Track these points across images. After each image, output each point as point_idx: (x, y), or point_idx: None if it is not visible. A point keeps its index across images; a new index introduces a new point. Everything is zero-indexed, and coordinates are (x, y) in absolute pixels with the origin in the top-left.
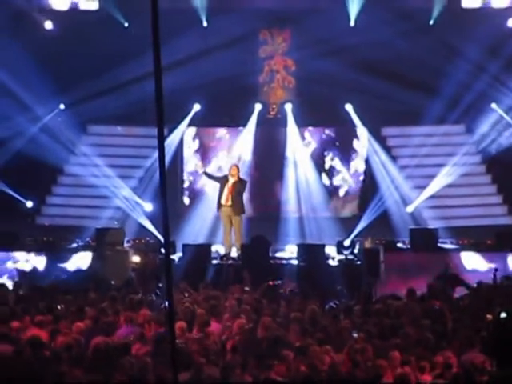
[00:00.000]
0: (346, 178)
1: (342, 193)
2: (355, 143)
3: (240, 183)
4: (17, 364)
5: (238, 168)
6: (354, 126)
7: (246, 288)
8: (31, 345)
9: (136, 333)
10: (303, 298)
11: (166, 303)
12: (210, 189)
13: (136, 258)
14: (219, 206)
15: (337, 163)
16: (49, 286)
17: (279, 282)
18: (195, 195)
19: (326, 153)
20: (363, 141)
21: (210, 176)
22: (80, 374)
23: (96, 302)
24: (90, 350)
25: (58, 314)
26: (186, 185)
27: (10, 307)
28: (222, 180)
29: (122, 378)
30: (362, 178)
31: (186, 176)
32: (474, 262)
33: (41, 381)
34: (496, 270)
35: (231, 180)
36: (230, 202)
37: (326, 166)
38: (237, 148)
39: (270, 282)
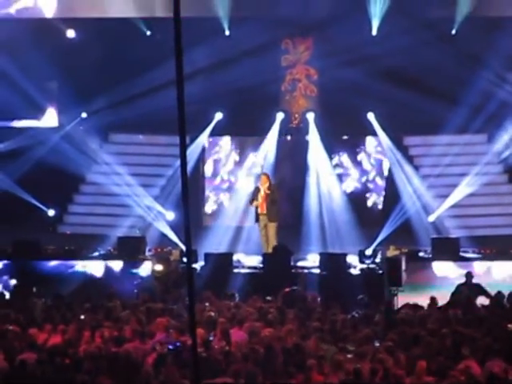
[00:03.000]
0: (368, 186)
1: (366, 203)
2: (378, 152)
3: (272, 191)
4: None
5: (267, 176)
6: (376, 134)
7: (268, 298)
8: (53, 353)
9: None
10: (325, 307)
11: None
12: (228, 199)
13: (158, 267)
14: (257, 216)
15: (360, 172)
16: (71, 295)
17: (294, 288)
18: (217, 204)
19: (348, 161)
20: (385, 150)
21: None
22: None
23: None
24: (112, 358)
25: (81, 322)
26: (207, 194)
27: (35, 316)
28: (256, 192)
29: None
30: (384, 186)
31: (207, 185)
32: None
33: None
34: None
35: (263, 189)
36: (265, 211)
37: (349, 175)
38: (259, 157)
39: (286, 289)
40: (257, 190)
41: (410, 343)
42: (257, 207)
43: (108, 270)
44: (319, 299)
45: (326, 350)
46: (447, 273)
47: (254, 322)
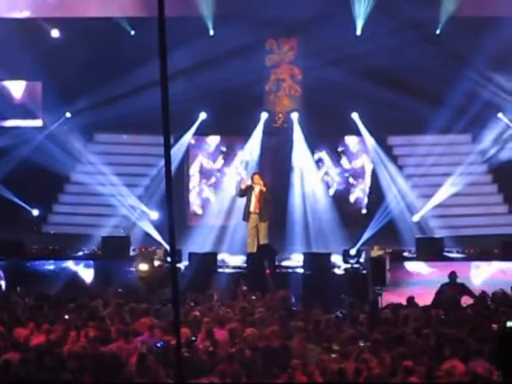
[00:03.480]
0: (353, 188)
1: (350, 204)
2: (361, 152)
3: (267, 191)
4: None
5: (260, 176)
6: (360, 134)
7: (253, 297)
8: (38, 353)
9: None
10: (307, 307)
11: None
12: (215, 198)
13: (143, 267)
14: (248, 214)
15: (344, 173)
16: (55, 295)
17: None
18: (201, 204)
19: (332, 162)
20: (369, 150)
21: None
22: (86, 381)
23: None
24: (94, 358)
25: (65, 322)
26: (192, 194)
27: (18, 315)
28: (249, 190)
29: None
30: (368, 187)
31: (192, 185)
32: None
33: None
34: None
35: (257, 188)
36: (257, 210)
37: (332, 174)
38: (244, 157)
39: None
40: (250, 188)
41: (394, 343)
42: (248, 206)
43: (92, 269)
44: (293, 297)
45: (311, 349)
46: (431, 272)
47: (237, 323)
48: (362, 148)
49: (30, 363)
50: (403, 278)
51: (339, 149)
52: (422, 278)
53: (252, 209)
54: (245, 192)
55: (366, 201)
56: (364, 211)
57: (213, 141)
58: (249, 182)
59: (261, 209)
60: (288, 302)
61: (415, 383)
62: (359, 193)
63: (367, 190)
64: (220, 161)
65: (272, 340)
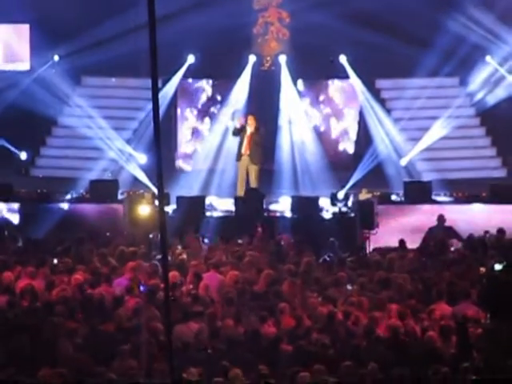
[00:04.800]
0: (341, 131)
1: (338, 147)
2: (350, 95)
3: (257, 133)
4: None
5: (254, 118)
6: (348, 77)
7: (240, 241)
8: (25, 295)
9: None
10: (297, 250)
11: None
12: (203, 141)
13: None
14: (239, 155)
15: (331, 115)
16: (43, 239)
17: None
18: (189, 147)
19: (320, 104)
20: (357, 93)
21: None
22: (74, 325)
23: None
24: (83, 301)
25: (52, 266)
26: (179, 137)
27: (5, 259)
28: (243, 130)
29: (114, 328)
30: (356, 130)
31: (179, 128)
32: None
33: (36, 331)
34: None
35: (249, 130)
36: (248, 151)
37: (321, 118)
38: (233, 99)
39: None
40: (243, 129)
41: (381, 286)
42: (240, 147)
43: (80, 212)
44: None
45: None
46: (419, 216)
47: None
48: (347, 91)
49: (16, 306)
50: (391, 221)
51: (323, 93)
52: (410, 222)
53: (243, 150)
54: (239, 132)
55: (352, 144)
56: (351, 151)
57: (201, 84)
58: (243, 122)
59: (251, 151)
60: (278, 246)
61: (400, 325)
62: (346, 137)
63: (351, 133)
64: (207, 104)
65: (261, 283)
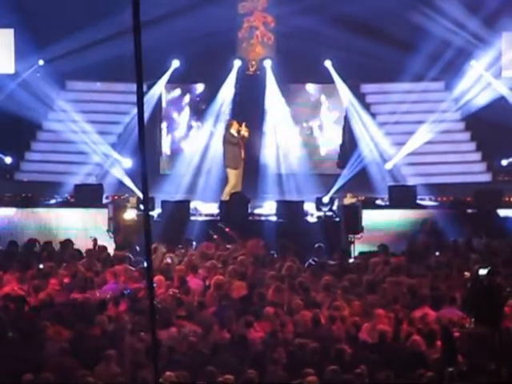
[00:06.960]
0: (326, 136)
1: (323, 151)
2: (335, 100)
3: (233, 136)
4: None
5: (246, 125)
6: (333, 82)
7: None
8: (11, 300)
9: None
10: (282, 255)
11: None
12: (188, 146)
13: (129, 215)
14: (238, 162)
15: (317, 120)
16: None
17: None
18: (174, 152)
19: (306, 109)
20: (342, 97)
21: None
22: (60, 329)
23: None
24: (68, 305)
25: (37, 270)
26: (164, 142)
27: None
28: (238, 138)
29: (99, 333)
30: (341, 134)
31: (164, 133)
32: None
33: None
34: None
35: (246, 135)
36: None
37: (307, 123)
38: (217, 104)
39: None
40: (240, 136)
41: (365, 291)
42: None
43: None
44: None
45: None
46: (403, 220)
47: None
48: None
49: (1, 311)
50: (376, 225)
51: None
52: (395, 226)
53: (243, 155)
54: (237, 139)
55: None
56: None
57: (185, 88)
58: (240, 129)
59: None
60: (261, 250)
61: (387, 330)
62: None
63: (336, 137)
64: (192, 109)
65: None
